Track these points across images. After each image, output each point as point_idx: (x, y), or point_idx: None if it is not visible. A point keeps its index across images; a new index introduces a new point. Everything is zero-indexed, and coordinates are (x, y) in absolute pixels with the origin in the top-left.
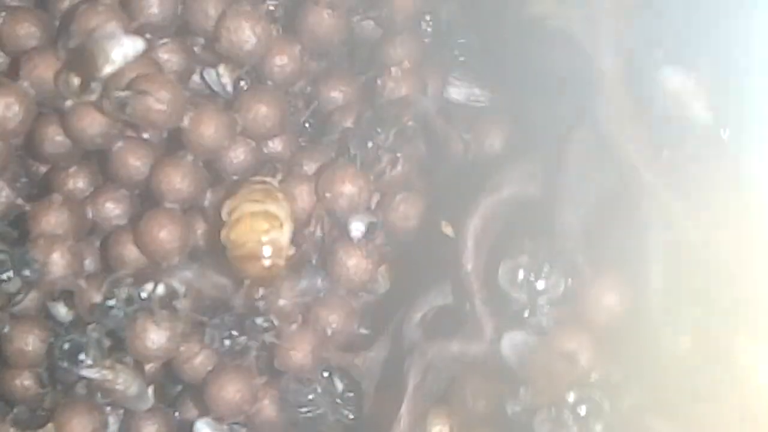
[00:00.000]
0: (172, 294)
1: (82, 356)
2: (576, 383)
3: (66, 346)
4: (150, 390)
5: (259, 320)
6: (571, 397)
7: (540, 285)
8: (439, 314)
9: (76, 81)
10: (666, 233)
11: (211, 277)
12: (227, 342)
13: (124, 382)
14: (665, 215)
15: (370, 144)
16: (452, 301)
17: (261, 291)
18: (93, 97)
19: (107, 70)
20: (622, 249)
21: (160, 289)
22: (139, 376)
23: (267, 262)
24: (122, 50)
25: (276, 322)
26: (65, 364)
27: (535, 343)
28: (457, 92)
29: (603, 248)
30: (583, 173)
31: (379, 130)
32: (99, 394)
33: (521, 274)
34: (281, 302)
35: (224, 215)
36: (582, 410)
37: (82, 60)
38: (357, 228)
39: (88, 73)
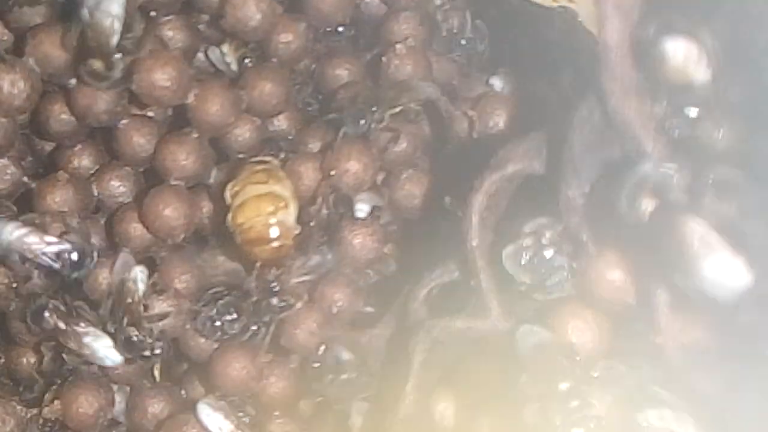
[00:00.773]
0: None
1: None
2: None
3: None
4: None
5: (275, 301)
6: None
7: (544, 266)
8: (445, 291)
9: (98, 64)
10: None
11: (222, 264)
12: (218, 324)
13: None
14: (668, 188)
15: (362, 122)
16: (457, 277)
17: (273, 272)
18: (119, 73)
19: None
20: (626, 224)
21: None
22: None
23: (276, 244)
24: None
25: (292, 302)
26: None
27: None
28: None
29: (607, 224)
30: (588, 148)
31: (374, 108)
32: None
33: (525, 257)
34: (293, 281)
35: (228, 199)
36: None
37: (90, 42)
38: (362, 209)
39: (102, 52)
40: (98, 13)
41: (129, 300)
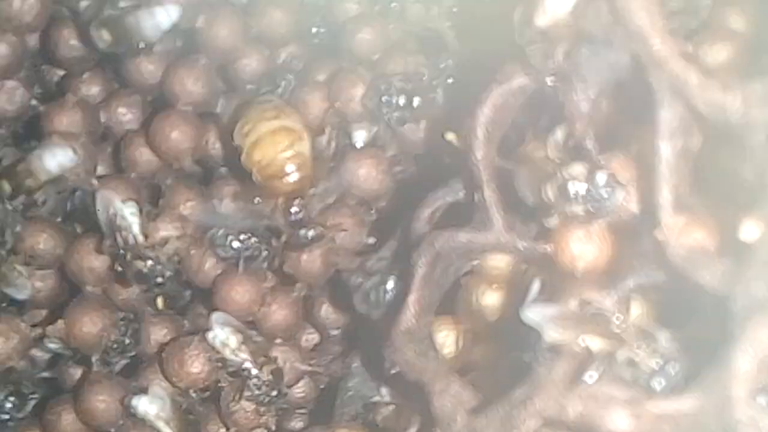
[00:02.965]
0: None
1: None
2: None
3: None
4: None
5: (303, 231)
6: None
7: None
8: (449, 211)
9: None
10: (677, 106)
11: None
12: (236, 245)
13: None
14: (676, 86)
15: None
16: (462, 197)
17: (296, 204)
18: None
19: None
20: (634, 128)
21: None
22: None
23: (296, 176)
24: None
25: (322, 231)
26: None
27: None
28: None
29: (615, 129)
30: (595, 52)
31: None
32: None
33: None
34: (318, 208)
35: (239, 140)
36: None
37: None
38: (360, 137)
39: None
40: None
41: (123, 234)
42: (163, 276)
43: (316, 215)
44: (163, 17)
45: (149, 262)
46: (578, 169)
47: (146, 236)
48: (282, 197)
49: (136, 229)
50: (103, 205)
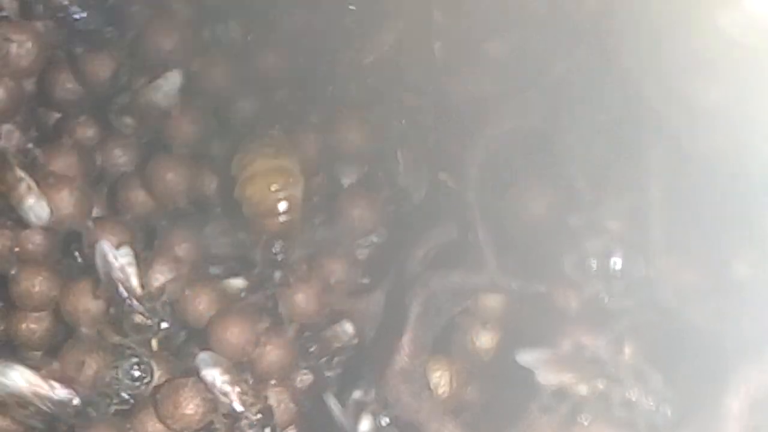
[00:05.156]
0: None
1: None
2: None
3: None
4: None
5: (277, 274)
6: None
7: None
8: (443, 252)
9: None
10: (668, 148)
11: (228, 232)
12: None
13: None
14: (666, 128)
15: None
16: (456, 237)
17: (278, 245)
18: None
19: None
20: (624, 169)
21: None
22: None
23: (284, 218)
24: None
25: (292, 279)
26: None
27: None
28: None
29: (605, 170)
30: (586, 95)
31: None
32: None
33: None
34: (297, 254)
35: (236, 170)
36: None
37: None
38: (348, 176)
39: None
40: None
41: (120, 285)
42: (158, 326)
43: (295, 260)
44: (168, 86)
45: (146, 314)
46: None
47: (143, 286)
48: (266, 235)
49: (134, 282)
50: (101, 256)
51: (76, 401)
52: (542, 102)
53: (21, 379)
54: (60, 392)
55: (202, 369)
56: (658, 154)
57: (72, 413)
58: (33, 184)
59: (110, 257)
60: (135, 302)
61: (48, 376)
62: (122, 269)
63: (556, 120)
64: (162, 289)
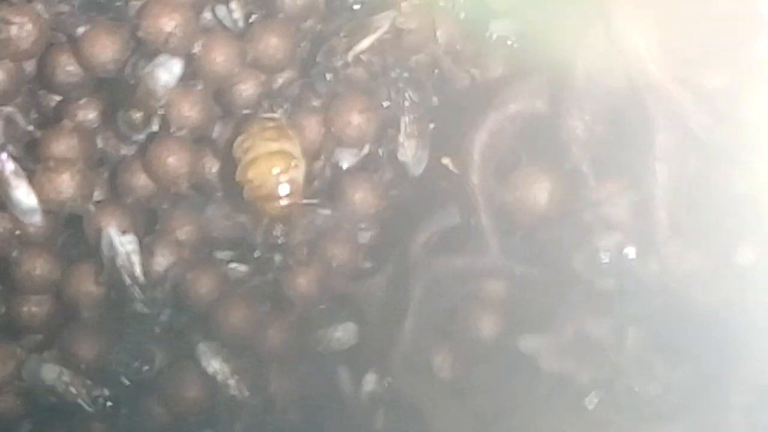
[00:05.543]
0: None
1: None
2: None
3: None
4: None
5: (277, 257)
6: None
7: None
8: (445, 236)
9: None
10: (674, 132)
11: (229, 215)
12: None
13: None
14: (672, 112)
15: (329, 76)
16: (458, 221)
17: (279, 228)
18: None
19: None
20: (629, 153)
21: None
22: None
23: (285, 201)
24: None
25: (292, 264)
26: None
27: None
28: None
29: (609, 155)
30: (592, 78)
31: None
32: None
33: None
34: (298, 238)
35: (237, 153)
36: None
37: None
38: (346, 160)
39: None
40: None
41: (124, 272)
42: (159, 315)
43: (296, 244)
44: (167, 76)
45: (148, 303)
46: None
47: (145, 275)
48: (267, 219)
49: (138, 270)
50: (107, 242)
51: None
52: (546, 86)
53: None
54: None
55: (202, 360)
56: (663, 137)
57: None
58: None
59: (116, 243)
60: (138, 290)
61: None
62: (128, 257)
63: (560, 104)
64: (164, 277)
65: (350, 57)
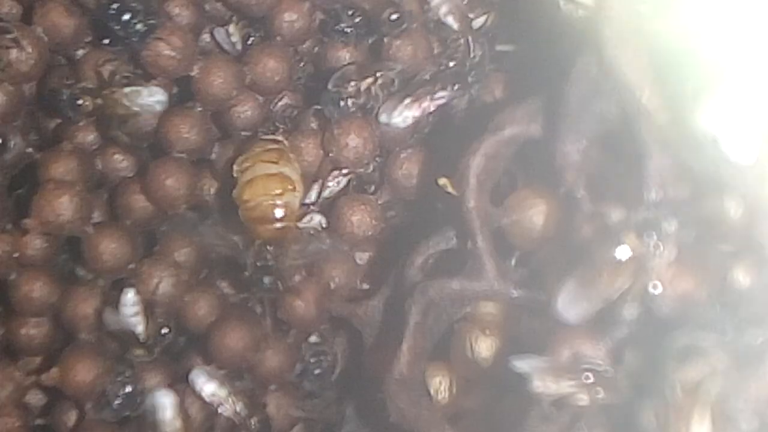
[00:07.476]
0: None
1: None
2: None
3: None
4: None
5: (266, 280)
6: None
7: None
8: (442, 259)
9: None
10: (664, 156)
11: (223, 234)
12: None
13: None
14: (663, 138)
15: (342, 103)
16: (455, 244)
17: (269, 251)
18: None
19: None
20: (623, 179)
21: None
22: None
23: (279, 225)
24: None
25: (281, 287)
26: None
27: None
28: None
29: (603, 180)
30: (585, 104)
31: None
32: None
33: None
34: (288, 263)
35: (236, 172)
36: None
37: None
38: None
39: None
40: None
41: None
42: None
43: (286, 268)
44: (151, 102)
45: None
46: None
47: (147, 333)
48: (260, 241)
49: (139, 329)
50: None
51: None
52: (541, 110)
53: None
54: None
55: (196, 385)
56: (655, 164)
57: None
58: None
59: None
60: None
61: None
62: (129, 319)
63: (555, 128)
64: (163, 324)
65: (363, 86)
